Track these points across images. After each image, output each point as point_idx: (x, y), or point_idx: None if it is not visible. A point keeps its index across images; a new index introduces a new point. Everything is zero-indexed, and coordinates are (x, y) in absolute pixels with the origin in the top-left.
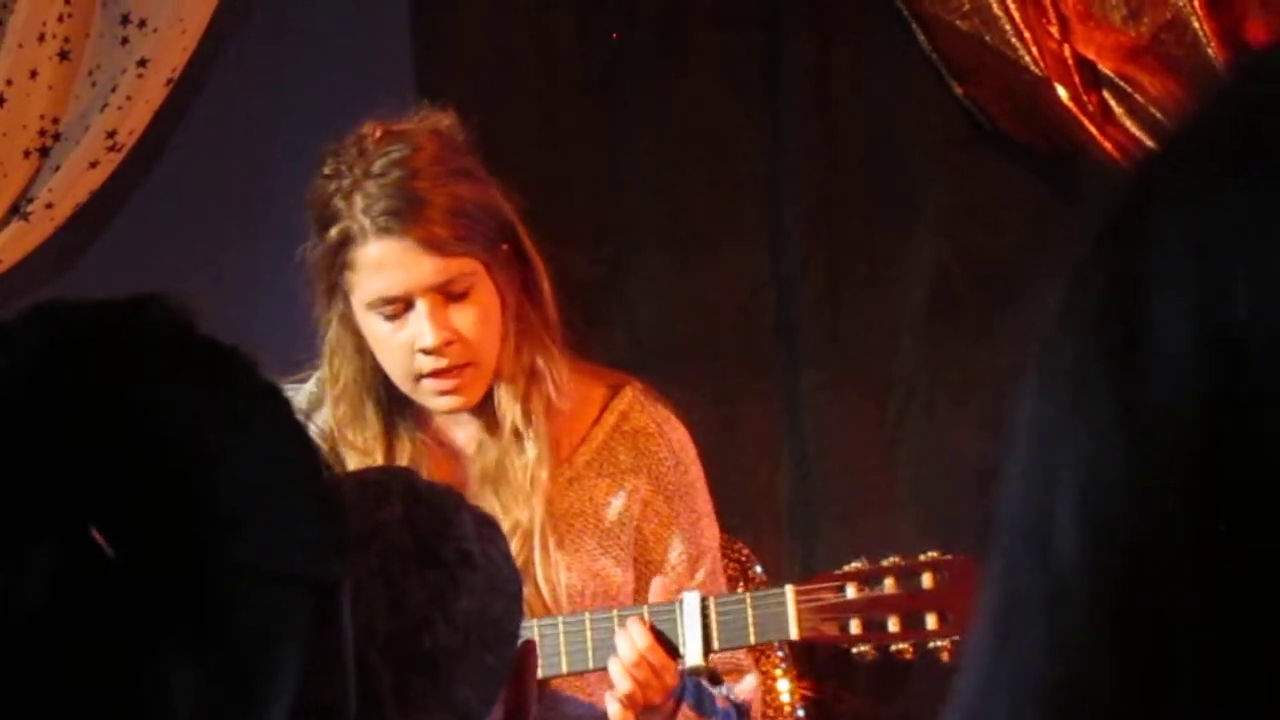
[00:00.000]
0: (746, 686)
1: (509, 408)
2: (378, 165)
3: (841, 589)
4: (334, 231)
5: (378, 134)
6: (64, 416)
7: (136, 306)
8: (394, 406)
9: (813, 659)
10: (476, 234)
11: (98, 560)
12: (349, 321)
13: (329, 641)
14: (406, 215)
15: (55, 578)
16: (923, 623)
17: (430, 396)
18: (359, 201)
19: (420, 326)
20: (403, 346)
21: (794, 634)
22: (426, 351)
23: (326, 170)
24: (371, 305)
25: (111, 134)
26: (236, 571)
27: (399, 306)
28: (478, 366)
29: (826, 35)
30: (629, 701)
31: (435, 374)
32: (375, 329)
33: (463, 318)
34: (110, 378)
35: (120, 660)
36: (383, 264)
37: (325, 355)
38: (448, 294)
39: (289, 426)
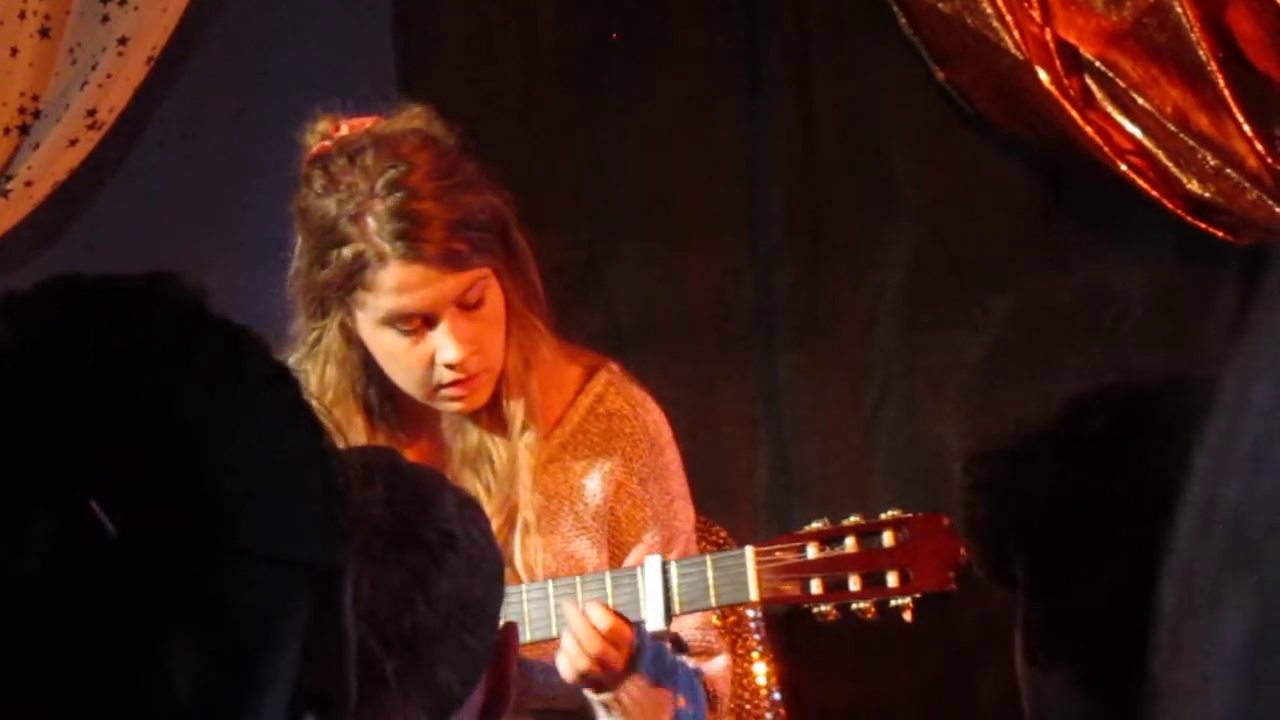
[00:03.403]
0: (716, 667)
1: (515, 405)
2: (380, 186)
3: (802, 549)
4: (347, 252)
5: (366, 144)
6: (72, 391)
7: (150, 284)
8: (379, 412)
9: (791, 641)
10: (485, 242)
11: (98, 535)
12: (347, 330)
13: (330, 627)
14: (422, 237)
15: (54, 550)
16: (884, 580)
17: (446, 402)
18: (371, 224)
19: (443, 341)
20: (421, 360)
21: (754, 595)
22: (450, 365)
23: (318, 187)
24: (387, 322)
25: (92, 112)
26: (240, 553)
27: (417, 322)
28: (491, 370)
29: (806, 18)
30: (586, 671)
31: (454, 383)
32: (389, 344)
33: (479, 326)
34: (121, 354)
35: (120, 637)
36: (404, 286)
37: (315, 360)
38: (463, 304)
39: (298, 409)
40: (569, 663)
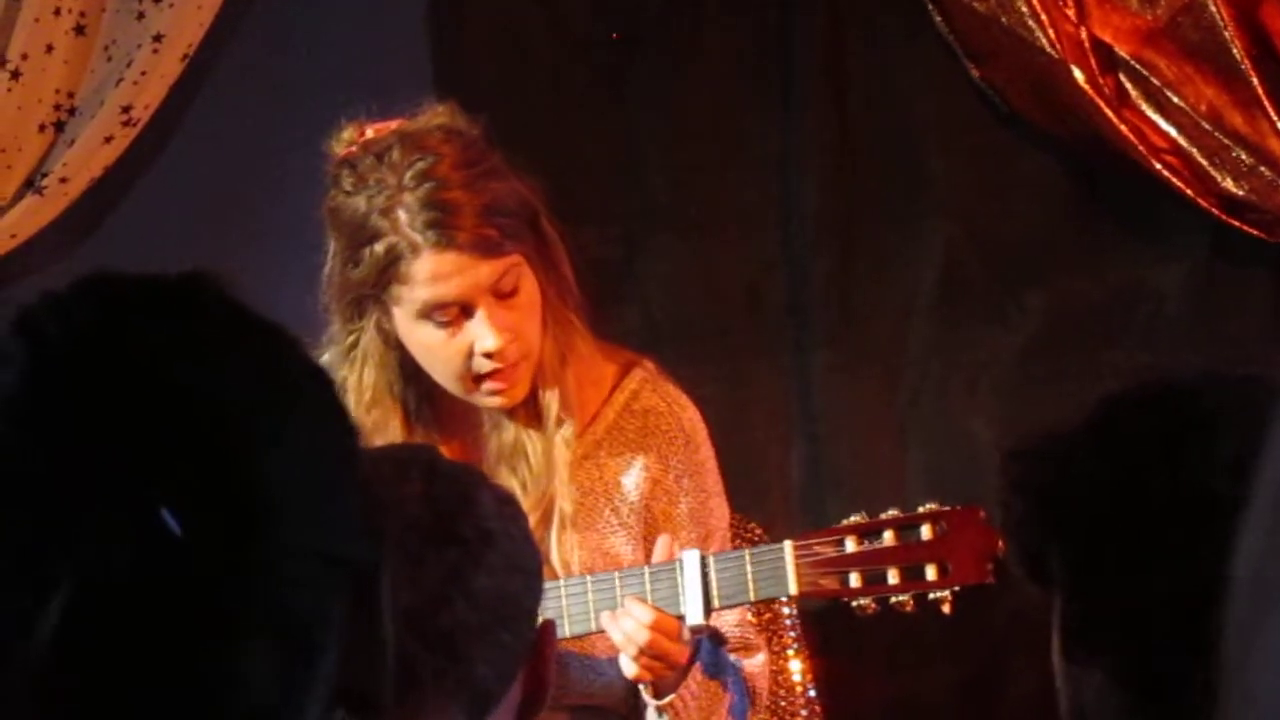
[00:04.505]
0: (755, 663)
1: (552, 398)
2: (409, 178)
3: (840, 543)
4: (379, 247)
5: (392, 142)
6: (123, 395)
7: (190, 282)
8: (416, 412)
9: (826, 638)
10: (516, 229)
11: (173, 549)
12: (384, 331)
13: (368, 627)
14: (454, 225)
15: (133, 567)
16: (922, 574)
17: (486, 396)
18: (402, 216)
19: (480, 330)
20: (459, 352)
21: (793, 589)
22: (489, 354)
23: (347, 186)
24: (423, 314)
25: (126, 109)
26: (288, 554)
27: (454, 312)
28: (529, 359)
29: (840, 16)
30: (646, 666)
31: (493, 374)
32: (426, 337)
33: (515, 315)
34: (166, 355)
35: (197, 644)
36: (438, 275)
37: (352, 364)
38: (498, 293)
39: (334, 408)
40: (629, 661)
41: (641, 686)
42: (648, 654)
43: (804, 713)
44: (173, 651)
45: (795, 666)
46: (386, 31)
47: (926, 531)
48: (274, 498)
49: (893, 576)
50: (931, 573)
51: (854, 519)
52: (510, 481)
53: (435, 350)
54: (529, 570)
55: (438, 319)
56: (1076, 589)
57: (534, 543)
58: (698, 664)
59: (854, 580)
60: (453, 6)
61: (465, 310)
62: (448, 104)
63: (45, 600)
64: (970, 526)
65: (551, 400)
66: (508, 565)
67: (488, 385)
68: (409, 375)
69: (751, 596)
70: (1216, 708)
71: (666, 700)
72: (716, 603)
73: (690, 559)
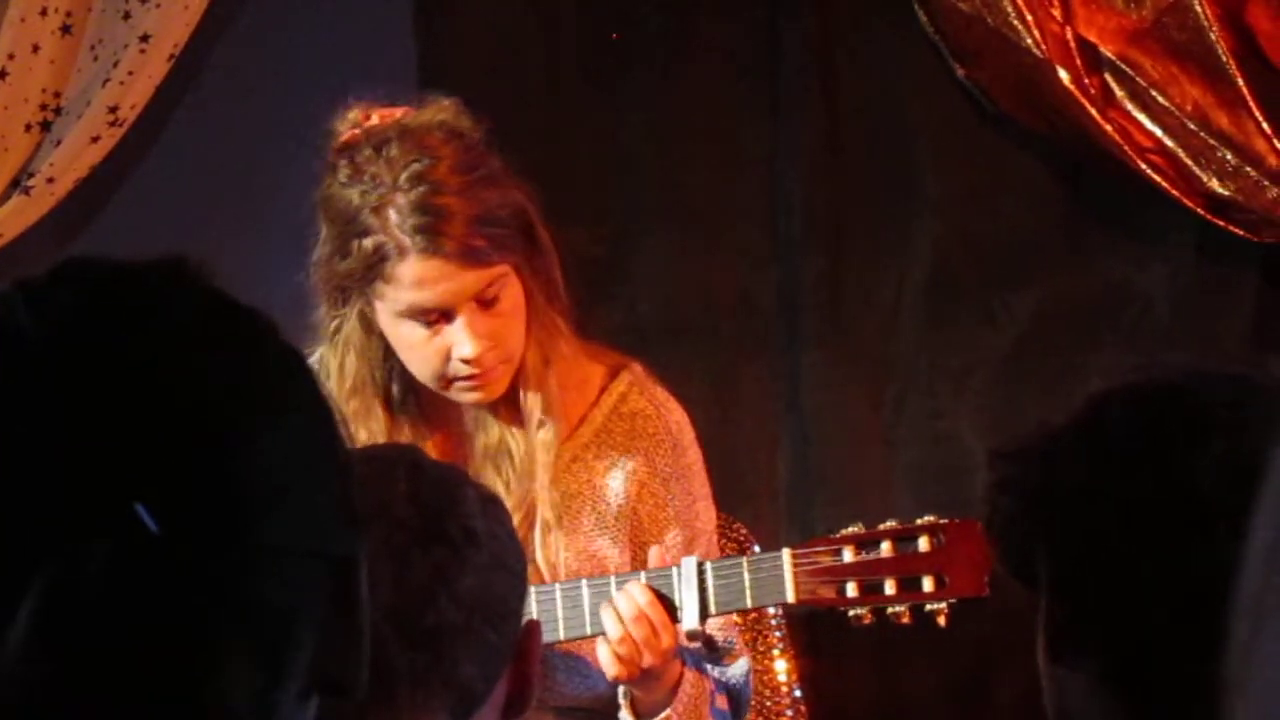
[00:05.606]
0: (739, 669)
1: (534, 400)
2: (404, 179)
3: (838, 552)
4: (368, 243)
5: (393, 135)
6: (97, 388)
7: (166, 268)
8: (400, 402)
9: (811, 638)
10: (507, 239)
11: (151, 547)
12: (366, 320)
13: (345, 618)
14: (443, 232)
15: (108, 563)
16: (919, 585)
17: (461, 393)
18: (393, 216)
19: (459, 336)
20: (438, 353)
21: (790, 597)
22: (466, 360)
23: (343, 176)
24: (405, 314)
25: (113, 109)
26: (267, 549)
27: (435, 315)
28: (509, 363)
29: (828, 16)
30: (626, 658)
31: (469, 375)
32: (407, 335)
33: (497, 322)
34: (143, 347)
35: (172, 640)
36: (423, 280)
37: (335, 348)
38: (482, 300)
39: (315, 396)
40: (609, 656)
41: (622, 713)
42: (632, 638)
43: (789, 713)
44: (148, 648)
45: (780, 666)
46: (375, 32)
47: (924, 543)
48: (253, 492)
49: (889, 587)
50: (928, 584)
51: (852, 529)
52: (494, 480)
53: (415, 348)
54: (514, 570)
55: (419, 320)
56: (1062, 590)
57: (518, 542)
58: (684, 684)
59: (851, 590)
60: (442, 6)
61: (446, 315)
62: (454, 99)
63: (16, 601)
64: (968, 539)
65: (533, 400)
66: (493, 564)
67: (461, 384)
68: (392, 366)
69: (749, 604)
70: (1206, 709)
71: (661, 717)
72: (713, 609)
73: (688, 565)
